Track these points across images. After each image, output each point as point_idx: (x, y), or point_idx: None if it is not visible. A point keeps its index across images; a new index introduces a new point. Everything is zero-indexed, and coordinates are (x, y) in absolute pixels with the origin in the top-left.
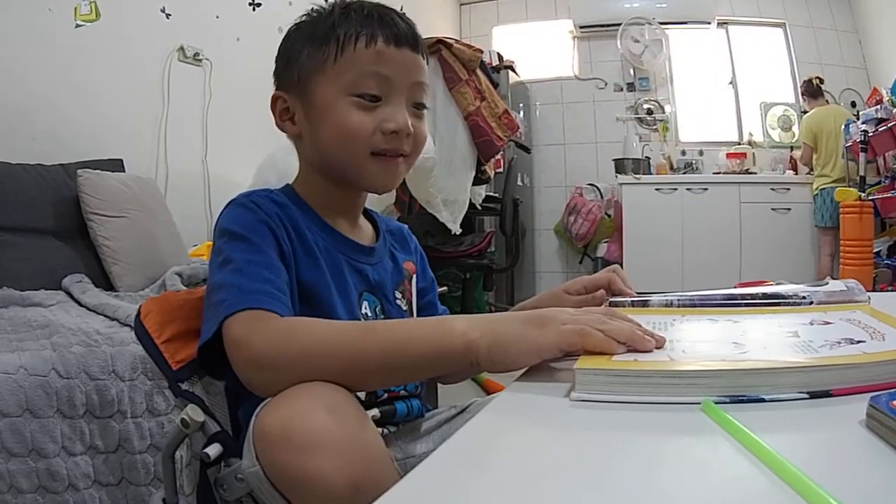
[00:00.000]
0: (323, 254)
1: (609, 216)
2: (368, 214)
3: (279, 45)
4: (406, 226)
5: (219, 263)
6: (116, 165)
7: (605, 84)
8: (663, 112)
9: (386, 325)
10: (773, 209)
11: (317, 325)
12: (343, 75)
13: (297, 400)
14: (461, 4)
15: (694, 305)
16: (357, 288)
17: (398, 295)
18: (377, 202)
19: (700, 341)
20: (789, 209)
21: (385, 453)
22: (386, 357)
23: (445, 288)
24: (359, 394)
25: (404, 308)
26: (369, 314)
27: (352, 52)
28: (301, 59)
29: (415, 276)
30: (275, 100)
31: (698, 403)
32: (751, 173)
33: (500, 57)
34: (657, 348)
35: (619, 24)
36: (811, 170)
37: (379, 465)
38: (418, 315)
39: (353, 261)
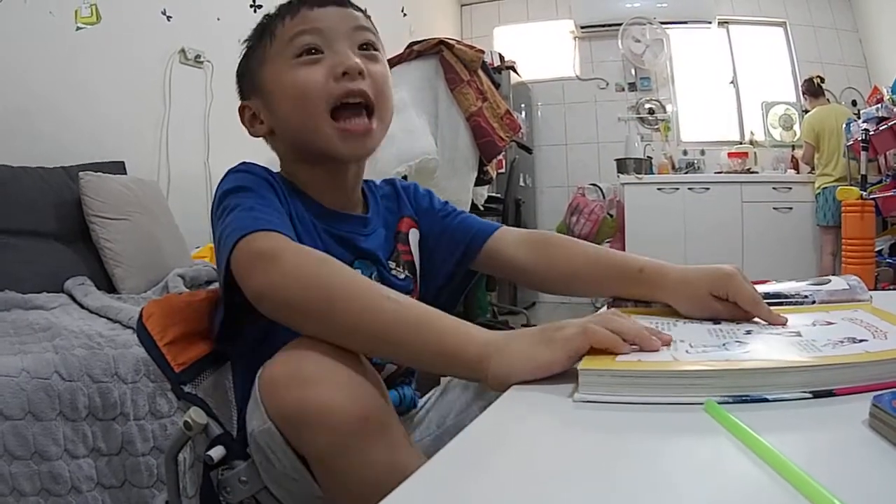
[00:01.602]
0: (308, 228)
1: (611, 216)
2: (363, 189)
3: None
4: (397, 178)
5: (224, 211)
6: (118, 168)
7: (607, 84)
8: (665, 112)
9: (411, 302)
10: (774, 208)
11: (344, 270)
12: (281, 50)
13: (301, 349)
14: (462, 5)
15: None
16: (346, 259)
17: (392, 265)
18: None
19: (703, 341)
20: (791, 208)
21: (387, 397)
22: (400, 330)
23: None
24: None
25: (402, 277)
26: None
27: (282, 29)
28: (251, 65)
29: (414, 232)
30: (241, 111)
31: (701, 404)
32: (752, 172)
33: (501, 57)
34: (664, 346)
35: (620, 24)
36: (813, 169)
37: (384, 404)
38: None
39: (343, 232)
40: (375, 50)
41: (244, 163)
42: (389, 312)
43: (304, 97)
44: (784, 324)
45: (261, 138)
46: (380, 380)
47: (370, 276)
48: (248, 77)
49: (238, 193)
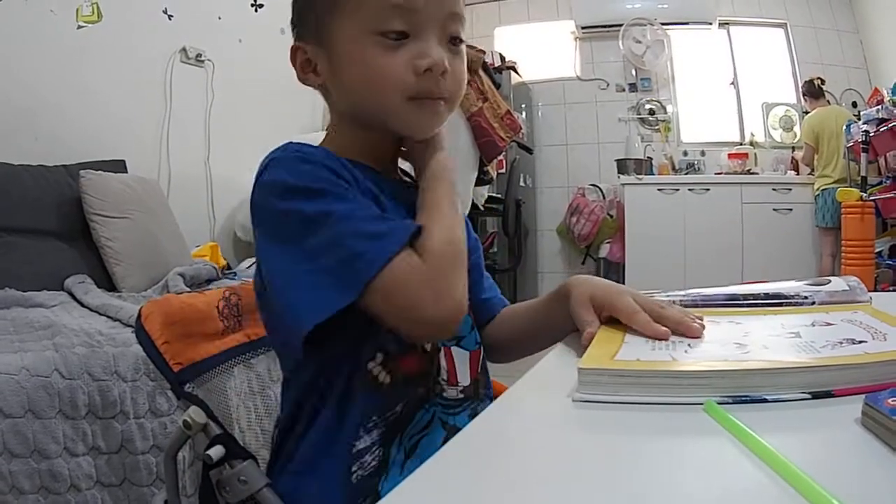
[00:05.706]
0: (382, 206)
1: (611, 216)
2: None
3: None
4: None
5: (304, 222)
6: (119, 166)
7: (607, 84)
8: (665, 112)
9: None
10: (774, 209)
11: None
12: (361, 10)
13: None
14: (464, 5)
15: (696, 306)
16: None
17: None
18: None
19: (702, 341)
20: (791, 209)
21: None
22: None
23: None
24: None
25: None
26: None
27: None
28: (317, 6)
29: None
30: (294, 51)
31: (701, 404)
32: (752, 174)
33: (502, 58)
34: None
35: (621, 25)
36: (813, 170)
37: None
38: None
39: (408, 202)
40: (462, 42)
41: (291, 147)
42: None
43: (378, 85)
44: (698, 335)
45: (260, 135)
46: None
47: None
48: (312, 19)
49: (314, 200)
